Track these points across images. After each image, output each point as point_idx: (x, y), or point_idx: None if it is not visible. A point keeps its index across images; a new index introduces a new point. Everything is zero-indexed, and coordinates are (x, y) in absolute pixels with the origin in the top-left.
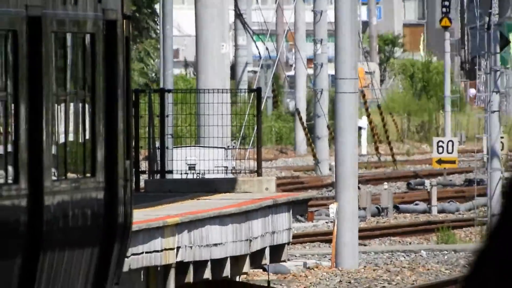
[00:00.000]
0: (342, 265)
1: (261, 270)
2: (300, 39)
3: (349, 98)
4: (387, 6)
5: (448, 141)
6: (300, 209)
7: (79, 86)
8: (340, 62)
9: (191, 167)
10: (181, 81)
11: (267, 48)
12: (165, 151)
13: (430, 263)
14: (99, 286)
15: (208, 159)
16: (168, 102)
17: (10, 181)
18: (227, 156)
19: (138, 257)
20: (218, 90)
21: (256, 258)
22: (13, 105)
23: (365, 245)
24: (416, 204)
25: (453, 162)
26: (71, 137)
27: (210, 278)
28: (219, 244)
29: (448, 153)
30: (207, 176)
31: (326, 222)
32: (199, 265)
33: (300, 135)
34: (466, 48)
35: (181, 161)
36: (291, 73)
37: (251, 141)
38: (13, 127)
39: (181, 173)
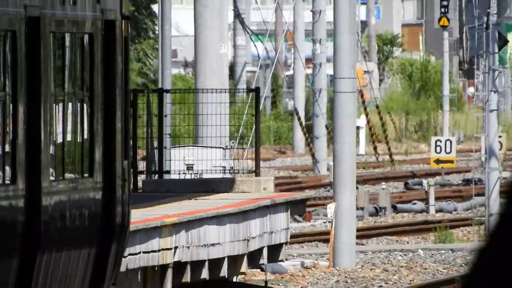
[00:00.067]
0: (340, 265)
1: (258, 270)
2: (299, 39)
3: (348, 97)
4: (386, 6)
5: (446, 141)
6: (298, 209)
7: (78, 86)
8: (339, 61)
9: (189, 167)
10: (179, 81)
11: (265, 48)
12: (163, 151)
13: (428, 262)
14: (96, 286)
15: (206, 159)
16: (167, 102)
17: (7, 182)
18: (225, 156)
19: (136, 257)
20: (216, 90)
21: (253, 258)
22: (11, 105)
23: (362, 244)
24: (414, 204)
25: (451, 162)
26: (69, 137)
27: (208, 278)
28: (216, 244)
29: (446, 153)
30: (205, 176)
31: (324, 222)
32: (197, 265)
33: (299, 135)
34: (464, 47)
35: (179, 161)
36: (290, 72)
37: (250, 141)
38: (11, 127)
39: (179, 173)
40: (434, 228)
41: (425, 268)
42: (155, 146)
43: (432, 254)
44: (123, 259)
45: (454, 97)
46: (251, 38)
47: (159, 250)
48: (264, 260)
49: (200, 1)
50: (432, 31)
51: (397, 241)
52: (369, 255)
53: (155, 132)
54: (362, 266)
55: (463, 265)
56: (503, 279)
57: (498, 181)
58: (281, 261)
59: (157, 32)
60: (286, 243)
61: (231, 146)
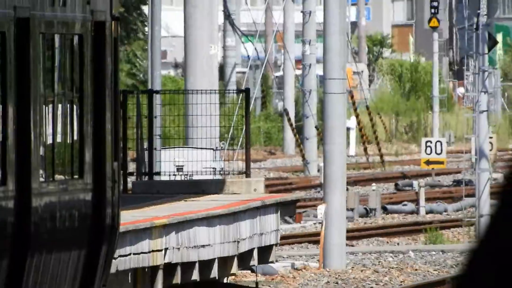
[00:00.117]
0: (330, 266)
1: (249, 271)
2: (289, 40)
3: (338, 98)
4: (376, 7)
5: (437, 142)
6: (288, 210)
7: (67, 87)
8: (329, 62)
9: (179, 169)
10: (169, 82)
11: (255, 49)
12: (153, 152)
13: (418, 263)
14: (86, 287)
15: (197, 160)
16: (157, 103)
17: None
18: (215, 157)
19: (126, 258)
20: (206, 91)
21: (244, 259)
22: (1, 106)
23: (353, 245)
24: (404, 205)
25: (442, 163)
26: (59, 139)
27: (198, 280)
28: (207, 245)
29: (437, 153)
30: (195, 177)
31: (314, 223)
32: (187, 267)
33: (289, 136)
34: (454, 48)
35: (169, 162)
36: (280, 73)
37: (240, 142)
38: (0, 128)
39: (169, 175)
40: (424, 229)
41: (416, 269)
42: (145, 147)
43: (423, 255)
44: (113, 260)
45: (444, 98)
46: (241, 39)
47: (149, 252)
48: (254, 261)
49: (190, 2)
50: (422, 32)
51: (387, 242)
52: (360, 256)
53: (145, 133)
54: (353, 267)
55: (454, 266)
56: (495, 280)
57: (488, 182)
58: (272, 262)
59: (146, 33)
60: (276, 245)
61: (221, 147)
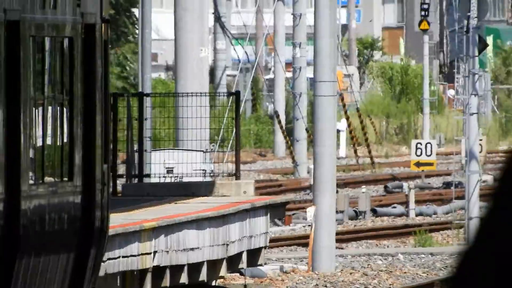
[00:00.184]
0: (319, 269)
1: (238, 274)
2: (279, 43)
3: (328, 101)
4: (367, 9)
5: (427, 144)
6: (278, 212)
7: (57, 90)
8: (319, 65)
9: (169, 171)
10: (160, 84)
11: (246, 52)
12: (143, 154)
13: (407, 266)
14: None
15: (187, 162)
16: (147, 105)
17: None
18: (205, 159)
19: (115, 261)
20: (196, 93)
21: (233, 262)
22: None
23: (342, 248)
24: (394, 207)
25: (432, 164)
26: (48, 141)
27: (187, 283)
28: (196, 248)
29: (427, 155)
30: (185, 179)
31: (304, 226)
32: (176, 270)
33: (279, 138)
34: (445, 51)
35: (159, 164)
36: (270, 76)
37: (230, 144)
38: None
39: (159, 177)
40: (413, 232)
41: (405, 272)
42: (135, 149)
43: (412, 258)
44: (102, 263)
45: (435, 100)
46: (231, 42)
47: (138, 255)
48: (243, 264)
49: (180, 4)
50: (413, 34)
51: (376, 245)
52: (349, 259)
53: (136, 135)
54: (342, 270)
55: (443, 269)
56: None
57: (478, 184)
58: (260, 265)
59: (137, 35)
60: (265, 247)
61: (212, 149)
